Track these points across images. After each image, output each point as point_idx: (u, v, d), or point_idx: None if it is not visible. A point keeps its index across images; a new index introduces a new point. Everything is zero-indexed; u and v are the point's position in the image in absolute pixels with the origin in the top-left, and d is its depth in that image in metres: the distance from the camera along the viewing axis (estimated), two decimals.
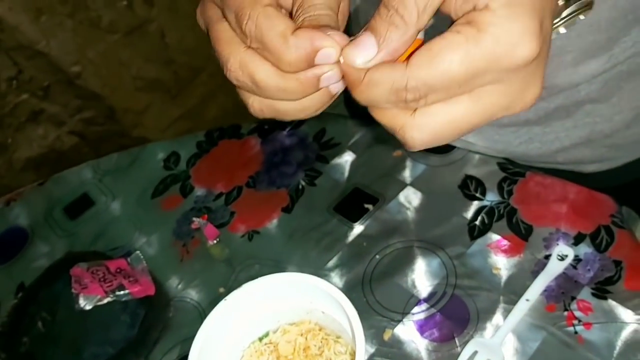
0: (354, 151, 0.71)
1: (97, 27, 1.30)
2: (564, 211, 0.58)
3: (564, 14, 0.33)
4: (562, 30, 0.32)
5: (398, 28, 0.26)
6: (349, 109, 0.82)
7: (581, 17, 0.32)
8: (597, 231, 0.56)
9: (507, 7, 0.24)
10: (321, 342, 0.44)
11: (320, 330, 0.44)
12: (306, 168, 0.71)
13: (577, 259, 0.54)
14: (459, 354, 0.50)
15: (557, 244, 0.55)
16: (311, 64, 0.28)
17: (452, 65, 0.25)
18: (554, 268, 0.53)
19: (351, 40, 0.27)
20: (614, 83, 0.57)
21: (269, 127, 0.77)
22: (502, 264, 0.55)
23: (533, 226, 0.57)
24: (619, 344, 0.48)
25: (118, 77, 1.30)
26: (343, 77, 0.28)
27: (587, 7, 0.32)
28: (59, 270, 0.64)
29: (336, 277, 0.59)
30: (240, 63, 0.30)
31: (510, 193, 0.61)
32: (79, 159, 0.84)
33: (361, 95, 0.27)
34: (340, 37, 0.28)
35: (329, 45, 0.28)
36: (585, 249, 0.55)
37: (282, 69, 0.29)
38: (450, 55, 0.25)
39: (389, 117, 0.28)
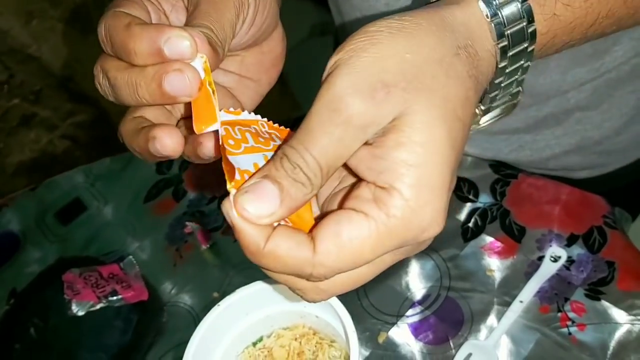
0: None
1: (89, 30, 1.29)
2: (557, 212, 0.58)
3: (484, 120, 0.33)
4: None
5: (305, 187, 0.24)
6: None
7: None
8: (589, 232, 0.56)
9: (416, 191, 0.23)
10: (315, 346, 0.44)
11: (314, 334, 0.44)
12: None
13: (570, 260, 0.54)
14: (453, 356, 0.50)
15: (550, 246, 0.55)
16: (161, 58, 0.27)
17: (363, 254, 0.24)
18: (547, 269, 0.54)
19: (245, 186, 0.24)
20: (604, 90, 0.57)
21: None
22: (496, 266, 0.55)
23: (526, 228, 0.58)
24: (613, 344, 0.48)
25: None
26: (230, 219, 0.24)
27: (512, 108, 0.33)
28: (51, 276, 0.64)
29: None
30: (100, 67, 0.30)
31: (503, 195, 0.61)
32: (71, 163, 0.83)
33: (257, 262, 0.25)
34: (200, 39, 0.28)
35: (178, 35, 0.27)
36: (578, 250, 0.55)
37: (131, 61, 0.28)
38: (361, 245, 0.24)
39: (285, 279, 0.26)
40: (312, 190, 0.24)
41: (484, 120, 0.33)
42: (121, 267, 0.63)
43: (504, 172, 0.62)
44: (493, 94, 0.30)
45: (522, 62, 0.29)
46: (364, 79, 0.24)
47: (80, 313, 0.59)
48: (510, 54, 0.28)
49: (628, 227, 0.64)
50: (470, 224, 0.59)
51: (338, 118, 0.24)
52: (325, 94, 0.24)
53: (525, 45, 0.28)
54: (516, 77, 0.30)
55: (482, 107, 0.31)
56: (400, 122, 0.24)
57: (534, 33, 0.28)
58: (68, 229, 0.74)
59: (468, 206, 0.61)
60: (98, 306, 0.59)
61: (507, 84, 0.30)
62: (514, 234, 0.57)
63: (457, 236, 0.59)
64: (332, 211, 0.25)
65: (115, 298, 0.60)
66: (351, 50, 0.25)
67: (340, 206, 0.27)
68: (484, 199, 0.61)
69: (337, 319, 0.42)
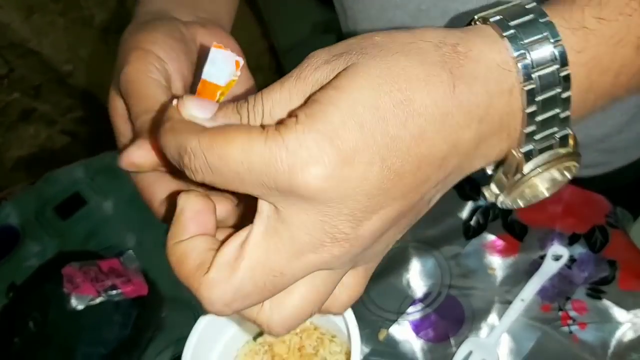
0: None
1: (89, 25, 1.29)
2: (559, 211, 0.58)
3: (529, 167, 0.26)
4: (543, 192, 0.28)
5: (239, 121, 0.23)
6: None
7: (561, 176, 0.27)
8: (591, 231, 0.56)
9: (306, 118, 0.21)
10: (316, 341, 0.43)
11: (315, 329, 0.44)
12: None
13: (571, 259, 0.54)
14: (454, 354, 0.50)
15: (552, 244, 0.55)
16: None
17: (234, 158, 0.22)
18: (549, 268, 0.53)
19: None
20: None
21: None
22: (497, 264, 0.55)
23: (528, 226, 0.57)
24: (614, 343, 0.48)
25: (110, 76, 1.29)
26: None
27: (569, 157, 0.27)
28: (51, 269, 0.63)
29: None
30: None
31: None
32: (70, 159, 0.83)
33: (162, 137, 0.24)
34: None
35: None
36: (579, 249, 0.55)
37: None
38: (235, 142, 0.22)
39: (247, 316, 0.25)
40: (246, 117, 0.23)
41: (528, 168, 0.26)
42: (121, 261, 0.63)
43: None
44: (529, 130, 0.25)
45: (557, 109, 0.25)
46: (328, 50, 0.23)
47: (80, 307, 0.59)
48: (537, 74, 0.24)
49: (630, 226, 0.64)
50: (472, 222, 0.59)
51: (292, 72, 0.23)
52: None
53: (555, 67, 0.24)
54: (555, 110, 0.25)
55: (522, 150, 0.25)
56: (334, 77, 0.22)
57: (563, 54, 0.24)
58: (67, 223, 0.74)
59: (470, 204, 0.61)
60: (97, 300, 0.59)
61: (545, 119, 0.25)
62: (515, 233, 0.57)
63: (458, 234, 0.59)
64: None
65: (114, 292, 0.59)
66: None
67: None
68: None
69: (338, 315, 0.42)
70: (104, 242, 0.69)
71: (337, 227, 0.22)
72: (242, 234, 0.24)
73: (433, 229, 0.60)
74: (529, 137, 0.25)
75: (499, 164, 0.27)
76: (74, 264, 0.61)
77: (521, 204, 0.28)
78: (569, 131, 0.26)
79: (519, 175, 0.26)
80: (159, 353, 0.58)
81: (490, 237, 0.57)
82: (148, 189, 0.32)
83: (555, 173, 0.28)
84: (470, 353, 0.49)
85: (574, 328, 0.50)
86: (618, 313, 0.49)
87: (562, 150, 0.27)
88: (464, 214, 0.60)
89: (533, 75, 0.23)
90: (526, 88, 0.23)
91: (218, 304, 0.24)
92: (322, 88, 0.22)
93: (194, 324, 0.43)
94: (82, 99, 1.35)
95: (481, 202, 0.61)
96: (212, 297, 0.24)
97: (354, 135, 0.21)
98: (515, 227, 0.58)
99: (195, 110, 0.23)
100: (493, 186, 0.29)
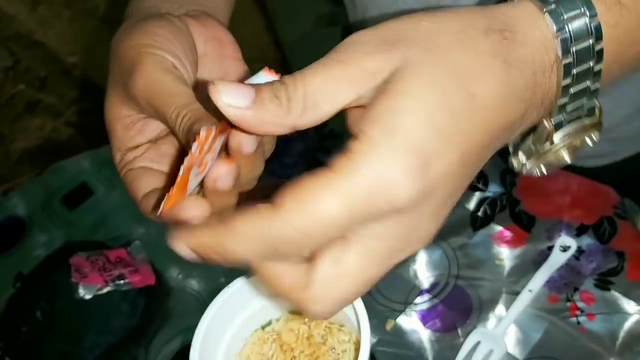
0: None
1: (95, 17, 1.29)
2: (567, 202, 0.57)
3: (557, 137, 0.28)
4: (566, 158, 0.29)
5: (280, 106, 0.23)
6: None
7: (583, 144, 0.29)
8: (599, 222, 0.56)
9: (386, 135, 0.21)
10: (324, 330, 0.43)
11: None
12: (307, 159, 0.71)
13: (579, 250, 0.54)
14: (461, 344, 0.50)
15: (560, 235, 0.55)
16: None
17: (330, 209, 0.21)
18: (557, 259, 0.53)
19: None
20: None
21: None
22: (505, 255, 0.55)
23: (536, 217, 0.57)
24: (622, 334, 0.48)
25: None
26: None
27: (593, 127, 0.28)
28: (58, 259, 0.64)
29: None
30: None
31: (512, 184, 0.60)
32: (75, 151, 0.83)
33: (230, 256, 0.24)
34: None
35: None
36: (587, 240, 0.54)
37: None
38: (323, 198, 0.21)
39: (280, 291, 0.25)
40: (285, 113, 0.23)
41: (558, 137, 0.28)
42: (128, 251, 0.63)
43: None
44: (562, 102, 0.26)
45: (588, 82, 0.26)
46: (374, 34, 0.23)
47: (88, 296, 0.59)
48: (575, 48, 0.24)
49: (637, 217, 0.64)
50: (480, 213, 0.59)
51: (339, 57, 0.23)
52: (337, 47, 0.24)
53: (591, 41, 0.25)
54: (587, 83, 0.26)
55: (553, 121, 0.27)
56: (394, 76, 0.22)
57: (601, 51, 0.25)
58: (75, 213, 0.74)
59: (477, 195, 0.61)
60: (105, 290, 0.59)
61: (577, 91, 0.26)
62: (523, 223, 0.57)
63: (466, 225, 0.58)
64: None
65: (122, 282, 0.60)
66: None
67: None
68: (494, 188, 0.61)
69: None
70: (111, 232, 0.70)
71: (423, 228, 0.24)
72: (334, 251, 0.24)
73: None
74: (561, 108, 0.26)
75: (527, 133, 0.28)
76: (81, 253, 0.62)
77: (545, 171, 0.30)
78: (596, 103, 0.28)
79: (548, 144, 0.28)
80: (167, 342, 0.58)
81: (498, 228, 0.57)
82: (132, 183, 0.33)
83: (578, 142, 0.29)
84: (478, 343, 0.49)
85: (582, 319, 0.49)
86: (626, 304, 0.49)
87: (588, 121, 0.28)
88: (472, 204, 0.60)
89: (571, 50, 0.24)
90: (564, 62, 0.24)
91: (323, 314, 0.25)
92: (386, 92, 0.22)
93: (201, 313, 0.43)
94: (87, 91, 1.35)
95: (488, 193, 0.60)
96: (318, 310, 0.25)
97: (435, 143, 0.22)
98: (523, 218, 0.57)
99: (232, 98, 0.22)
100: (521, 155, 0.29)
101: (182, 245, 0.24)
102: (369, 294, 0.55)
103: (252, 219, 0.22)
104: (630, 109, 0.59)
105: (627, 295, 0.50)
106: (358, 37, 0.24)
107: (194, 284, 0.62)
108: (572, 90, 0.25)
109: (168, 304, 0.61)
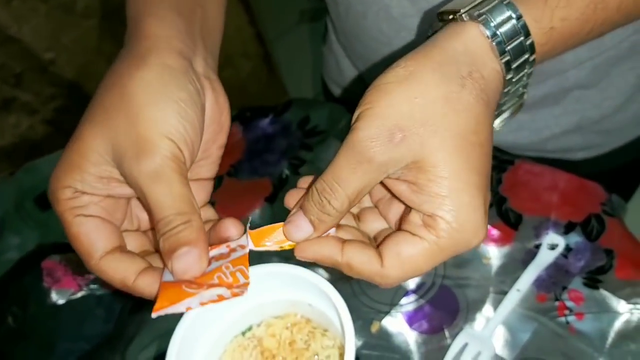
0: (339, 138, 0.69)
1: (72, 12, 1.25)
2: (554, 200, 0.56)
3: (497, 123, 0.36)
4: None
5: (331, 215, 0.31)
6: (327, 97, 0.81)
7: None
8: (587, 220, 0.55)
9: (454, 214, 0.29)
10: (307, 335, 0.42)
11: (306, 323, 0.42)
12: (290, 156, 0.69)
13: (567, 249, 0.53)
14: (448, 346, 0.49)
15: (548, 233, 0.54)
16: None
17: (420, 267, 0.30)
18: (545, 257, 0.52)
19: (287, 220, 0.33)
20: (603, 68, 0.56)
21: (251, 114, 0.75)
22: (492, 254, 0.54)
23: (523, 215, 0.56)
24: (612, 334, 0.47)
25: (94, 64, 1.26)
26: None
27: (520, 107, 0.36)
28: (30, 263, 0.61)
29: (322, 268, 0.57)
30: None
31: (499, 181, 0.59)
32: (52, 149, 0.80)
33: (343, 269, 0.33)
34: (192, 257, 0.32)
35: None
36: (575, 238, 0.53)
37: None
38: (418, 261, 0.30)
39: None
40: (338, 216, 0.31)
41: (497, 123, 0.36)
42: None
43: (500, 159, 0.61)
44: (502, 101, 0.33)
45: (525, 70, 0.32)
46: (382, 125, 0.29)
47: (61, 302, 0.57)
48: (514, 66, 0.31)
49: (624, 214, 0.63)
50: None
51: (362, 158, 0.29)
52: (351, 140, 0.29)
53: (527, 56, 0.32)
54: (521, 83, 0.33)
55: (495, 113, 0.33)
56: (425, 163, 0.28)
57: (532, 45, 0.31)
58: (48, 214, 0.71)
59: None
60: (79, 294, 0.57)
61: (514, 91, 0.33)
62: (510, 221, 0.56)
63: None
64: (391, 233, 0.32)
65: (96, 286, 0.57)
66: (368, 103, 0.29)
67: (397, 227, 0.33)
68: None
69: (331, 308, 0.40)
70: None
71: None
72: (404, 245, 0.30)
73: None
74: (504, 95, 0.33)
75: None
76: (54, 256, 0.59)
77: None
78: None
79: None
80: (144, 348, 0.56)
81: None
82: (86, 236, 0.32)
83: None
84: (465, 345, 0.48)
85: (571, 318, 0.48)
86: (616, 303, 0.48)
87: (521, 100, 0.36)
88: None
89: (512, 66, 0.31)
90: (504, 60, 0.31)
91: (394, 283, 0.32)
92: (427, 178, 0.29)
93: (178, 319, 0.41)
94: (64, 88, 1.31)
95: None
96: (390, 282, 0.32)
97: (481, 199, 0.30)
98: (510, 216, 0.56)
99: (296, 234, 0.33)
100: None
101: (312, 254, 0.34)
102: (353, 296, 0.53)
103: (365, 264, 0.32)
104: (618, 100, 0.59)
105: (616, 293, 0.49)
106: (368, 132, 0.29)
107: None
108: (513, 80, 0.32)
109: (145, 308, 0.58)
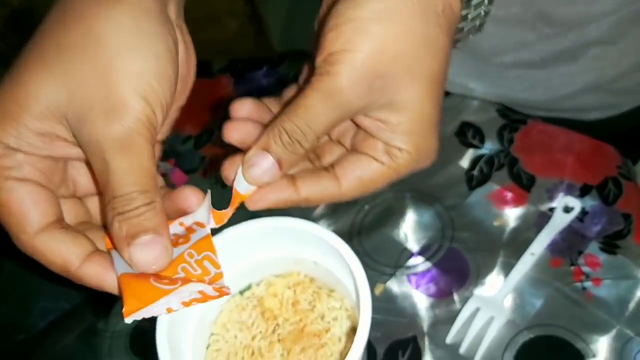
0: None
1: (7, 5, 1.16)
2: (569, 161, 0.53)
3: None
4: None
5: (299, 155, 0.29)
6: None
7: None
8: (604, 183, 0.52)
9: (417, 149, 0.30)
10: (312, 296, 0.38)
11: (310, 282, 0.39)
12: None
13: (583, 212, 0.50)
14: (458, 311, 0.46)
15: (562, 196, 0.51)
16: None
17: (377, 187, 0.31)
18: (560, 221, 0.49)
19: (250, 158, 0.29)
20: (624, 25, 0.53)
21: (243, 65, 0.70)
22: (504, 216, 0.51)
23: (535, 176, 0.53)
24: (633, 302, 0.44)
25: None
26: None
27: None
28: None
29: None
30: None
31: (510, 141, 0.56)
32: None
33: (299, 205, 0.32)
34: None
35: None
36: (591, 201, 0.51)
37: None
38: (377, 183, 0.31)
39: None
40: (304, 155, 0.30)
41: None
42: None
43: (512, 118, 0.58)
44: (460, 26, 0.33)
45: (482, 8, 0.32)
46: (364, 74, 0.28)
47: None
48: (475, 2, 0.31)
49: (636, 178, 0.60)
50: (475, 172, 0.54)
51: (339, 105, 0.28)
52: (329, 86, 0.28)
53: None
54: (482, 8, 0.33)
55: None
56: (398, 106, 0.29)
57: None
58: None
59: (472, 152, 0.56)
60: None
61: (473, 17, 0.33)
62: (522, 183, 0.53)
63: (460, 184, 0.54)
64: (349, 156, 0.32)
65: None
66: (347, 44, 0.27)
67: (356, 147, 0.32)
68: (490, 145, 0.56)
69: (339, 266, 0.37)
70: None
71: None
72: (367, 170, 0.31)
73: (432, 178, 0.55)
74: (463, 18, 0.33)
75: None
76: None
77: None
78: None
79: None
80: None
81: (495, 188, 0.53)
82: (18, 205, 0.27)
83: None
84: (477, 310, 0.45)
85: (588, 284, 0.46)
86: (635, 269, 0.46)
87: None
88: (466, 162, 0.55)
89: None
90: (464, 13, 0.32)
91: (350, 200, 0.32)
92: (397, 119, 0.29)
93: None
94: None
95: (484, 151, 0.56)
96: (346, 200, 0.32)
97: (436, 130, 0.31)
98: (522, 177, 0.53)
99: (263, 177, 0.30)
100: None
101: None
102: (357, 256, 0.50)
103: (322, 193, 0.32)
104: (636, 59, 0.56)
105: (636, 260, 0.46)
106: (348, 81, 0.28)
107: None
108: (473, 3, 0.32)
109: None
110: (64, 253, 0.27)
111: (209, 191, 0.31)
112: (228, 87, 0.68)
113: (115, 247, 0.27)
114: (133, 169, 0.26)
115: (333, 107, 0.28)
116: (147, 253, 0.26)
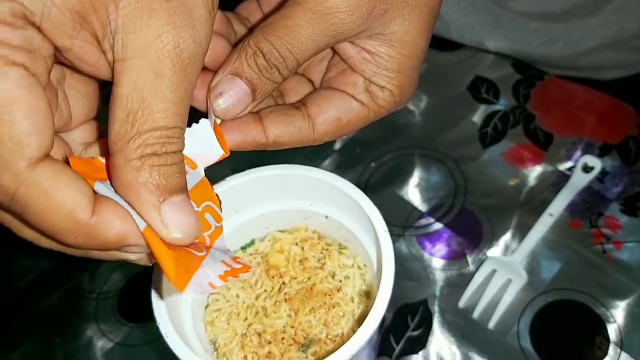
0: None
1: None
2: (589, 119, 0.50)
3: None
4: None
5: (276, 83, 0.25)
6: None
7: None
8: (625, 142, 0.49)
9: (401, 90, 0.27)
10: (322, 252, 0.35)
11: (319, 239, 0.36)
12: None
13: (603, 172, 0.47)
14: (471, 274, 0.43)
15: (581, 155, 0.48)
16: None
17: (352, 131, 0.28)
18: (579, 180, 0.46)
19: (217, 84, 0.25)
20: None
21: None
22: (520, 175, 0.48)
23: (553, 134, 0.50)
24: None
25: None
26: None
27: None
28: None
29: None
30: None
31: (526, 97, 0.53)
32: None
33: (267, 148, 0.28)
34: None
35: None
36: (612, 161, 0.48)
37: None
38: (354, 125, 0.28)
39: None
40: (281, 83, 0.26)
41: None
42: None
43: (529, 73, 0.54)
44: None
45: None
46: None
47: None
48: None
49: None
50: (489, 129, 0.51)
51: (331, 30, 0.25)
52: (323, 7, 0.24)
53: None
54: None
55: None
56: (393, 38, 0.26)
57: None
58: None
59: (485, 108, 0.53)
60: None
61: None
62: (539, 141, 0.50)
63: (474, 141, 0.51)
64: (324, 93, 0.28)
65: None
66: None
67: (330, 83, 0.29)
68: (505, 101, 0.53)
69: (354, 219, 0.33)
70: None
71: None
72: (344, 111, 0.28)
73: (443, 134, 0.52)
74: None
75: None
76: None
77: None
78: None
79: None
80: (117, 268, 0.48)
81: (511, 145, 0.50)
82: (64, 192, 0.19)
83: None
84: (493, 272, 0.42)
85: (608, 247, 0.43)
86: None
87: None
88: (479, 118, 0.52)
89: None
90: None
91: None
92: (388, 53, 0.26)
93: None
94: None
95: (499, 107, 0.52)
96: (319, 143, 0.29)
97: (419, 72, 0.29)
98: (539, 135, 0.50)
99: (235, 108, 0.25)
100: None
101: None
102: None
103: (295, 136, 0.28)
104: None
105: None
106: (346, 5, 0.24)
107: None
108: None
109: None
110: (73, 193, 0.19)
111: (205, 120, 0.25)
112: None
113: (128, 198, 0.20)
114: (186, 97, 0.21)
115: (323, 31, 0.24)
116: (183, 218, 0.21)
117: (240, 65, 0.24)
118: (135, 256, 0.22)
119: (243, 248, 0.36)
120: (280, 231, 0.36)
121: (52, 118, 0.20)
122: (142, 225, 0.20)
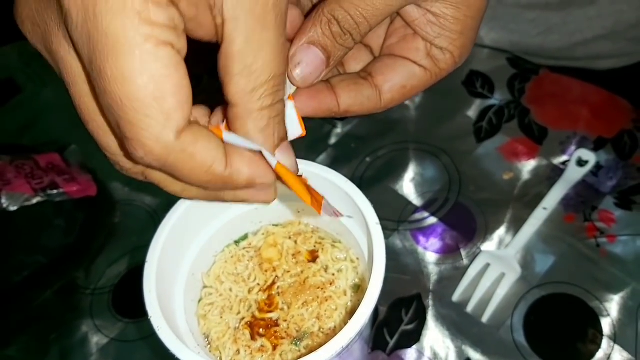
0: None
1: None
2: (583, 113, 0.50)
3: None
4: None
5: (346, 50, 0.26)
6: None
7: None
8: (619, 136, 0.49)
9: (462, 51, 0.28)
10: (315, 246, 0.35)
11: (313, 232, 0.36)
12: None
13: (597, 166, 0.47)
14: (465, 268, 0.43)
15: (575, 149, 0.48)
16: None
17: (414, 95, 0.29)
18: (574, 174, 0.47)
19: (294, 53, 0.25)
20: None
21: None
22: (514, 169, 0.48)
23: (548, 128, 0.50)
24: None
25: None
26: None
27: None
28: None
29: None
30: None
31: (521, 92, 0.53)
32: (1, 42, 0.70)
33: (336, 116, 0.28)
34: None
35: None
36: (606, 155, 0.48)
37: None
38: (419, 90, 0.28)
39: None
40: (352, 48, 0.27)
41: None
42: (63, 157, 0.52)
43: (524, 67, 0.54)
44: None
45: None
46: None
47: (13, 208, 0.48)
48: None
49: None
50: (484, 123, 0.51)
51: None
52: None
53: None
54: None
55: None
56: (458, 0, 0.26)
57: None
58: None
59: (480, 103, 0.53)
60: (34, 200, 0.48)
61: None
62: (534, 135, 0.50)
63: (468, 135, 0.51)
64: (387, 61, 0.28)
65: (55, 192, 0.49)
66: None
67: (392, 50, 0.29)
68: (500, 96, 0.53)
69: (347, 213, 0.33)
70: (41, 136, 0.58)
71: None
72: (409, 78, 0.29)
73: (437, 129, 0.52)
74: None
75: None
76: (3, 157, 0.50)
77: None
78: None
79: None
80: (112, 264, 0.48)
81: (506, 140, 0.50)
82: (205, 151, 0.22)
83: None
84: (487, 266, 0.42)
85: (602, 241, 0.43)
86: None
87: None
88: (474, 113, 0.52)
89: None
90: None
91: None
92: (453, 15, 0.27)
93: (153, 230, 0.34)
94: None
95: (494, 101, 0.52)
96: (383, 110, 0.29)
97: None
98: (534, 129, 0.50)
99: (312, 75, 0.26)
100: None
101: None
102: None
103: (363, 105, 0.28)
104: None
105: None
106: None
107: (145, 197, 0.52)
108: None
109: (113, 219, 0.51)
110: (211, 152, 0.22)
111: (288, 101, 0.26)
112: None
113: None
114: (285, 44, 0.23)
115: None
116: (293, 159, 0.24)
117: (315, 34, 0.25)
118: (264, 195, 0.25)
119: (236, 242, 0.36)
120: (273, 225, 0.36)
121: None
122: (273, 162, 0.23)
